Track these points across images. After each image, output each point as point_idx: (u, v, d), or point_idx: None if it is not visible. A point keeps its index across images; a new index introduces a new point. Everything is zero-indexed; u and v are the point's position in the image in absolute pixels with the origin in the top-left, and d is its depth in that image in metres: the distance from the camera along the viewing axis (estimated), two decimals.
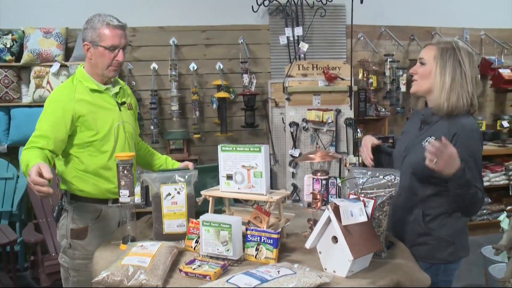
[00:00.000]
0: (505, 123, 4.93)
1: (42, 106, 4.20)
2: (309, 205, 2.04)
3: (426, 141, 1.90)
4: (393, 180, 1.70)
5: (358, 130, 4.41)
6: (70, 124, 2.06)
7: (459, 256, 1.97)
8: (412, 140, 2.00)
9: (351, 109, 4.15)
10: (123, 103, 2.25)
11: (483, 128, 5.07)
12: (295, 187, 4.16)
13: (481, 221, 4.79)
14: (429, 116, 1.96)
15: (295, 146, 4.13)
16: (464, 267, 3.83)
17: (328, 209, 1.53)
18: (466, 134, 1.84)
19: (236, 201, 2.21)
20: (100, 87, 2.17)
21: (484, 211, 4.80)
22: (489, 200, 4.83)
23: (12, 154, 4.01)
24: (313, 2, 4.43)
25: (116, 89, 2.23)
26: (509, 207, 4.82)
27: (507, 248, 2.47)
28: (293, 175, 4.17)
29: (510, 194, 4.82)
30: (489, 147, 4.85)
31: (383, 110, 4.73)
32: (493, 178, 4.77)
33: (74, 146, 2.11)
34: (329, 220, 1.55)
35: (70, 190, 2.17)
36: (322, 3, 4.38)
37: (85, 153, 2.12)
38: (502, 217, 2.67)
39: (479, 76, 1.97)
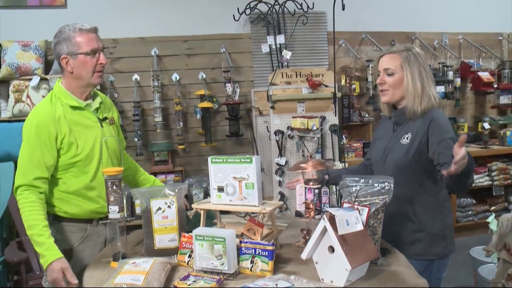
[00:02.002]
0: (486, 125, 5.01)
1: (23, 120, 4.11)
2: (298, 214, 2.02)
3: (404, 138, 2.00)
4: (388, 187, 1.69)
5: (343, 136, 4.42)
6: (56, 147, 1.97)
7: (450, 250, 2.04)
8: (389, 142, 2.07)
9: (335, 116, 4.16)
10: (105, 118, 2.14)
11: (465, 130, 5.13)
12: (282, 195, 4.14)
13: (466, 222, 4.84)
14: (401, 117, 2.05)
15: (281, 154, 4.11)
16: (452, 269, 3.90)
17: (323, 218, 1.52)
18: (439, 121, 1.94)
19: (223, 212, 2.17)
20: (80, 104, 2.05)
21: (470, 212, 4.85)
22: (474, 201, 4.88)
23: None
24: (294, 10, 4.44)
25: (97, 104, 2.12)
26: (493, 208, 4.90)
27: (497, 250, 2.49)
28: (280, 183, 4.15)
29: (494, 194, 4.88)
30: (472, 149, 4.89)
31: (367, 115, 4.76)
32: (477, 179, 4.82)
33: (57, 168, 2.00)
34: (325, 230, 1.53)
35: (52, 211, 2.05)
36: (303, 10, 4.39)
37: (67, 174, 2.02)
38: (491, 218, 2.69)
39: None
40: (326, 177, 2.20)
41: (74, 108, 2.03)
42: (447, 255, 2.03)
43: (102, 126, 2.10)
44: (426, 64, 2.00)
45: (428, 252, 1.98)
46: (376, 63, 2.14)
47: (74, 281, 1.75)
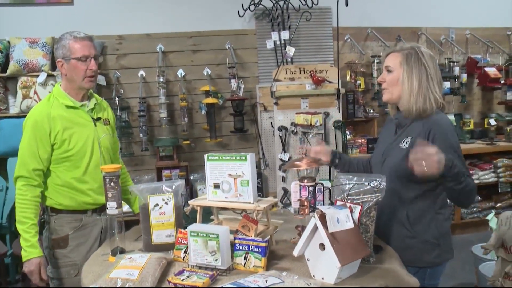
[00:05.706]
0: (493, 121, 4.98)
1: None
2: (296, 211, 2.04)
3: (403, 142, 1.95)
4: (379, 186, 1.71)
5: (347, 132, 4.43)
6: (50, 142, 2.14)
7: (445, 258, 1.98)
8: (389, 144, 2.04)
9: (339, 112, 4.16)
10: (99, 118, 2.31)
11: (471, 126, 5.10)
12: (285, 191, 4.17)
13: (471, 219, 4.83)
14: (403, 119, 2.01)
15: (284, 150, 4.13)
16: (456, 265, 3.91)
17: (314, 216, 1.54)
18: (440, 129, 1.88)
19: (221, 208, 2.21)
20: (76, 104, 2.23)
21: (475, 209, 4.84)
22: (479, 198, 4.86)
23: (0, 165, 3.97)
24: (299, 5, 4.44)
25: (92, 104, 2.29)
26: (498, 204, 4.88)
27: (495, 248, 2.49)
28: (283, 179, 4.18)
29: (500, 191, 4.86)
30: (478, 145, 4.89)
31: (372, 111, 4.76)
32: (482, 176, 4.81)
33: (51, 162, 2.18)
34: (316, 228, 1.55)
35: (50, 204, 2.23)
36: (308, 6, 4.39)
37: (61, 168, 2.19)
38: (490, 216, 2.68)
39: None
40: (337, 161, 2.20)
41: (69, 107, 2.21)
42: (441, 264, 1.97)
43: (95, 125, 2.27)
44: (431, 64, 1.93)
45: (420, 259, 1.92)
46: (382, 61, 2.09)
47: (45, 277, 2.09)
